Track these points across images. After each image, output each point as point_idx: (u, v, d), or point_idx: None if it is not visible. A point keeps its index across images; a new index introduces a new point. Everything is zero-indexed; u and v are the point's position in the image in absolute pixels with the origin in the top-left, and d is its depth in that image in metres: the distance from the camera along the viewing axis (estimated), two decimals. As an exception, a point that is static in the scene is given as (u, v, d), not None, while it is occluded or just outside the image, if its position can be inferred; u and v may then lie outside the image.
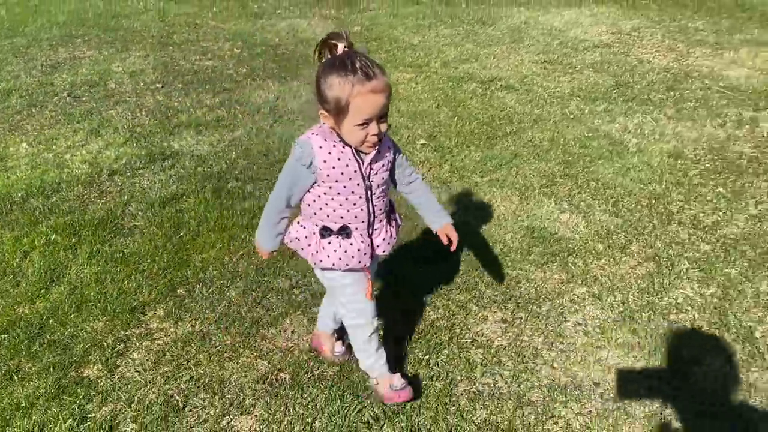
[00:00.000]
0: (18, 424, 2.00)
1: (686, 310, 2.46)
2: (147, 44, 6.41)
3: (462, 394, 2.10)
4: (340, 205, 1.76)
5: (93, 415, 2.04)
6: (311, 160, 1.69)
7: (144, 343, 2.36)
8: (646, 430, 1.96)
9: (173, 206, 3.29)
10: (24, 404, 2.07)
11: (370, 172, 1.74)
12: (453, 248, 1.94)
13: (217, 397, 2.11)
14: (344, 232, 1.80)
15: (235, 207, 3.26)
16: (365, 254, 1.83)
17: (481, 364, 2.22)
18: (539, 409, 2.03)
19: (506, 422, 1.99)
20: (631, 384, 2.11)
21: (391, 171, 1.85)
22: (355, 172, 1.71)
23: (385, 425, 1.98)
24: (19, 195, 3.41)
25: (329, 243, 1.80)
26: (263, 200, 3.30)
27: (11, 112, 4.64)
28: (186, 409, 2.07)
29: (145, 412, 2.05)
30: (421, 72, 5.47)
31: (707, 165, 3.61)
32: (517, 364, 2.22)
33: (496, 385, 2.13)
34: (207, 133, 4.22)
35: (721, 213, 3.11)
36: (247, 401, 2.09)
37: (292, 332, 2.40)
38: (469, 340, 2.33)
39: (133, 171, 3.71)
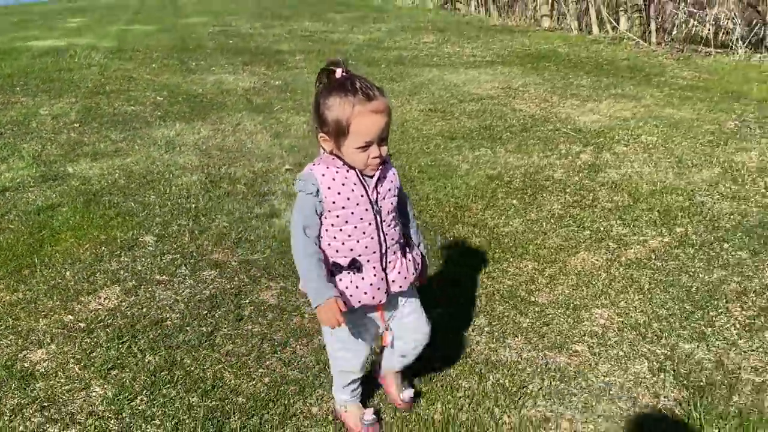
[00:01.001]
0: None
1: (435, 278, 3.01)
2: (79, 93, 7.09)
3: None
4: (349, 235, 1.70)
5: None
6: (317, 188, 1.66)
7: (-21, 306, 2.85)
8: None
9: (47, 213, 3.83)
10: None
11: (377, 197, 1.70)
12: (417, 284, 1.96)
13: (21, 339, 2.59)
14: (354, 266, 1.73)
15: (97, 213, 3.80)
16: (379, 289, 1.75)
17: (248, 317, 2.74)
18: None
19: (281, 334, 2.51)
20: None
21: (400, 199, 1.83)
22: (362, 196, 1.68)
23: (148, 355, 2.47)
24: None
25: (340, 280, 1.73)
26: (125, 207, 3.89)
27: (-67, 144, 5.21)
28: (-7, 347, 2.55)
29: (-42, 349, 2.53)
30: (315, 116, 6.15)
31: (516, 185, 4.24)
32: (279, 314, 2.74)
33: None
34: (102, 161, 4.80)
35: (504, 218, 3.71)
36: (45, 341, 2.58)
37: (105, 299, 2.90)
38: (247, 302, 2.86)
39: (24, 188, 4.26)
